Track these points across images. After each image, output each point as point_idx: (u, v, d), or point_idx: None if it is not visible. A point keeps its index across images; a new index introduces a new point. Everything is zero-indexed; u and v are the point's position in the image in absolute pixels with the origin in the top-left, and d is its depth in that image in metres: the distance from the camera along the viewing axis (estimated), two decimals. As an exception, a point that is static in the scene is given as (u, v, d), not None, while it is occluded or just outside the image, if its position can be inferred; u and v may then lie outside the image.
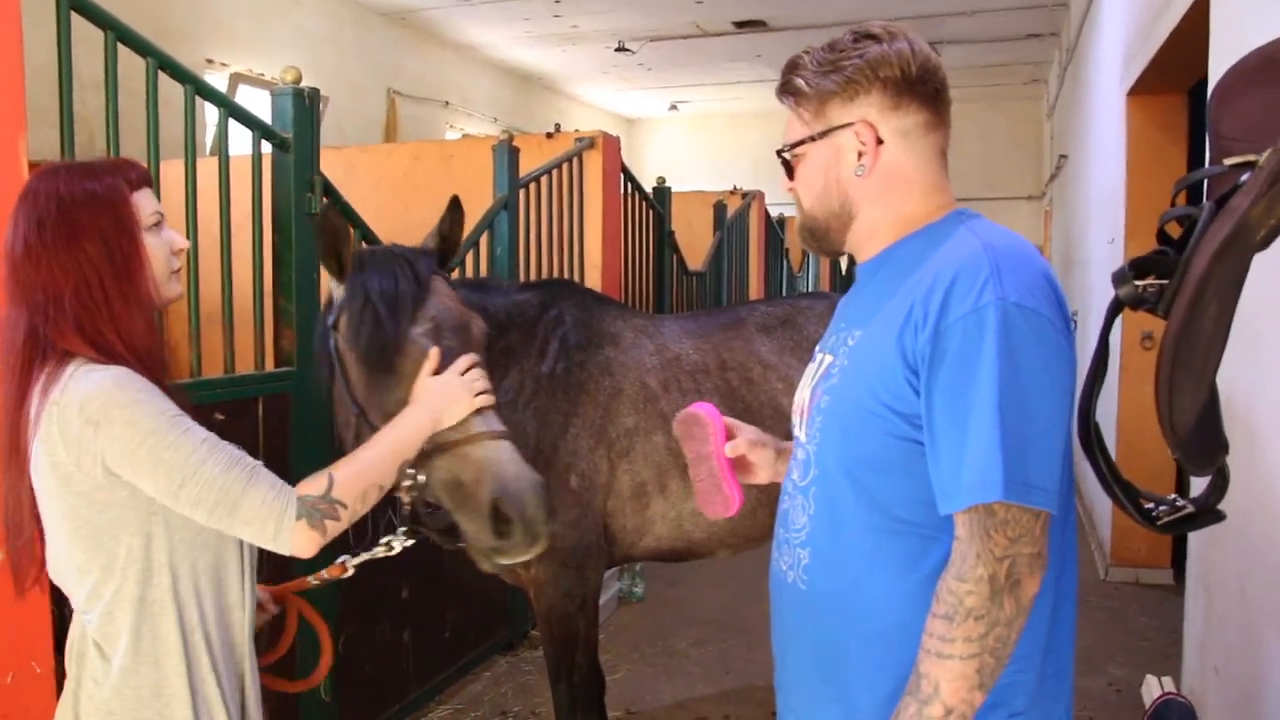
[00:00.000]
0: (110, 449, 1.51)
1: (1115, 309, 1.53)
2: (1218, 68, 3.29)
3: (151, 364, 1.60)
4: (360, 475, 1.64)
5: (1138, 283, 1.44)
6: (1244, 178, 1.37)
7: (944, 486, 1.31)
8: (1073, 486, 1.43)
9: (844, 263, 11.05)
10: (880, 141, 1.45)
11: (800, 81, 1.48)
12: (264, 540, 1.56)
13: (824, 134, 1.47)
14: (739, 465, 1.72)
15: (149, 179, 1.68)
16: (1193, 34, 3.93)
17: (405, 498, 1.82)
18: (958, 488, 1.29)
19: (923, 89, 1.44)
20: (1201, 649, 3.31)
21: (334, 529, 1.59)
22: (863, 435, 1.40)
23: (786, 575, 1.54)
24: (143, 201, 1.64)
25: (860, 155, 1.45)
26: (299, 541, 1.56)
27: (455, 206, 2.16)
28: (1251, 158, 1.37)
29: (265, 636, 1.85)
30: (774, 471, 1.74)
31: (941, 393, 1.30)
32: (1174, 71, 4.94)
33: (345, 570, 1.90)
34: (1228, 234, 1.33)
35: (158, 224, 1.66)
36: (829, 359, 1.51)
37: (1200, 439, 1.48)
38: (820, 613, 1.47)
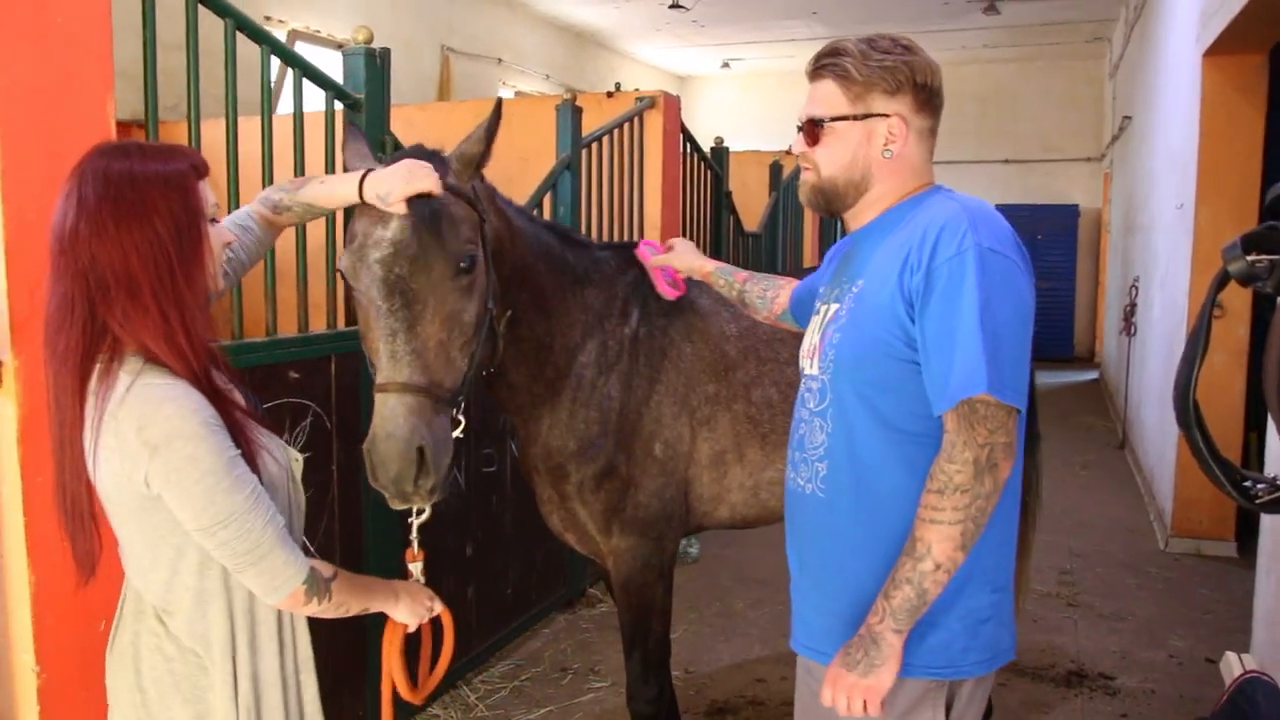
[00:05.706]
0: (162, 476, 1.51)
1: (1221, 283, 1.50)
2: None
3: (203, 356, 1.59)
4: (351, 591, 1.73)
5: (1249, 258, 1.41)
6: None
7: (936, 391, 1.58)
8: (1029, 403, 1.71)
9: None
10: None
11: (850, 67, 1.71)
12: (266, 591, 1.62)
13: (863, 117, 1.72)
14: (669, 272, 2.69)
15: (208, 170, 1.65)
16: (1281, -7, 3.80)
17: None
18: (947, 389, 1.55)
19: (936, 100, 1.75)
20: (1272, 624, 3.28)
21: (311, 609, 1.68)
22: (871, 361, 1.66)
23: (805, 489, 1.79)
24: (205, 191, 1.62)
25: (889, 142, 1.72)
26: (292, 601, 1.65)
27: (498, 110, 2.24)
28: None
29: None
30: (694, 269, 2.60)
31: (933, 318, 1.58)
32: (1256, 30, 4.77)
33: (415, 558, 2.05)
34: (1349, 209, 1.30)
35: (214, 217, 1.65)
36: (835, 306, 1.77)
37: (1307, 417, 1.46)
38: (837, 514, 1.72)
